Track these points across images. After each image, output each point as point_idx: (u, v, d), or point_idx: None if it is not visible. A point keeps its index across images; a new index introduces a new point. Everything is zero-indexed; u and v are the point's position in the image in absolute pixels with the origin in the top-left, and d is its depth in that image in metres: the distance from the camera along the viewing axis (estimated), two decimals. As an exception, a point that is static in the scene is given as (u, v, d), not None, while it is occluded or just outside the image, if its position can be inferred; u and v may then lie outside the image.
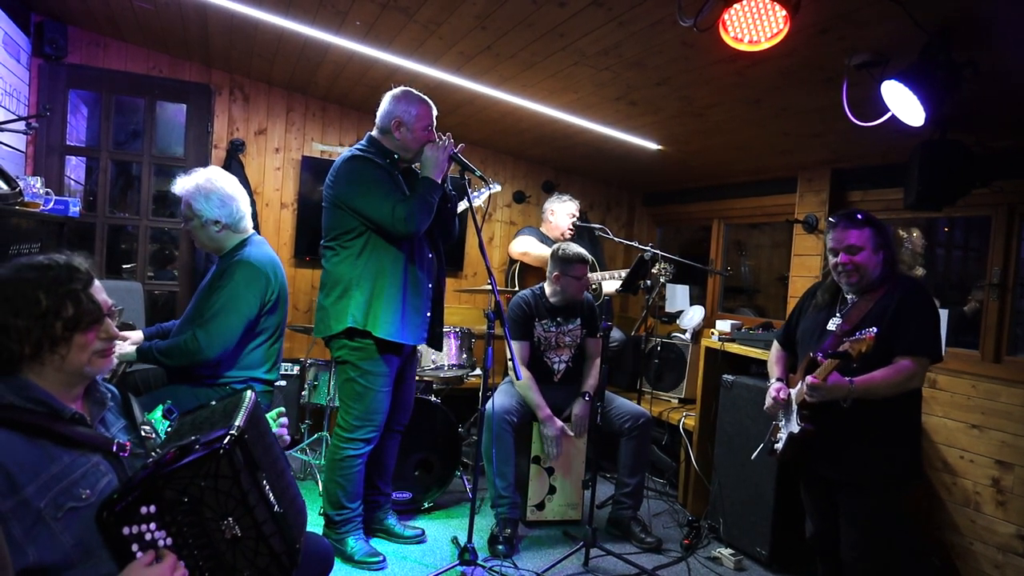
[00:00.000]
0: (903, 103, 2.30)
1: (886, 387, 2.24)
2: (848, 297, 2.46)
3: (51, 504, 1.25)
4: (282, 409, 1.81)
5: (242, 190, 2.71)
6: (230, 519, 1.34)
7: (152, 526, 1.29)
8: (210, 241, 2.68)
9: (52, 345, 1.33)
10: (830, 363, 2.21)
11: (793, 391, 2.46)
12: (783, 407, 2.51)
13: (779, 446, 2.51)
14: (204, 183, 2.62)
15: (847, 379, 2.23)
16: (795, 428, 2.40)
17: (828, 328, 2.45)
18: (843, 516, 2.42)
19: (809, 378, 2.28)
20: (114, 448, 1.40)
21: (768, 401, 2.55)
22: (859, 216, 2.39)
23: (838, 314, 2.45)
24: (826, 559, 2.58)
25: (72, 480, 1.30)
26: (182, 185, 2.64)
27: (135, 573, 1.25)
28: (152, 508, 1.29)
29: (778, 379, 2.62)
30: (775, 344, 2.78)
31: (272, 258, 2.71)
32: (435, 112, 2.93)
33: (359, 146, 2.93)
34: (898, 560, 2.39)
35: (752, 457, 2.85)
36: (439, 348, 3.25)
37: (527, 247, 4.42)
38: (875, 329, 2.16)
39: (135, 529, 1.28)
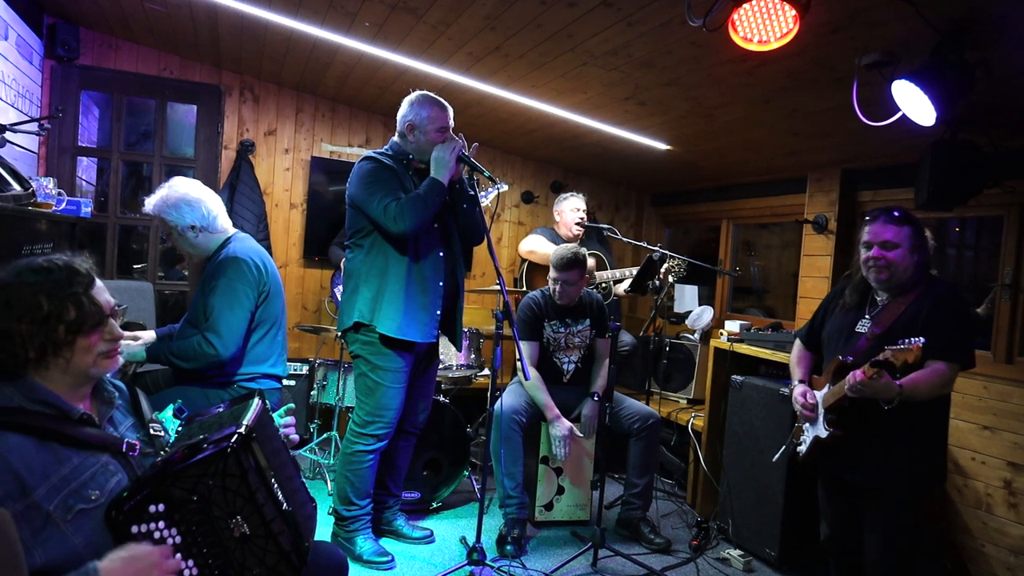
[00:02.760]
0: (914, 103, 2.29)
1: (928, 390, 2.18)
2: (878, 299, 2.39)
3: (61, 506, 1.26)
4: (290, 406, 1.81)
5: (206, 190, 2.72)
6: (238, 517, 1.35)
7: (161, 524, 1.30)
8: (193, 248, 2.69)
9: (56, 349, 1.33)
10: (870, 370, 2.10)
11: (819, 394, 2.39)
12: (810, 410, 2.44)
13: (803, 449, 2.45)
14: (167, 194, 2.64)
15: (896, 381, 2.14)
16: (823, 432, 2.35)
17: (857, 330, 2.38)
18: (866, 521, 2.36)
19: (858, 373, 2.15)
20: (123, 448, 1.41)
21: (796, 407, 2.48)
22: (898, 213, 2.32)
23: (868, 316, 2.38)
24: (839, 562, 2.55)
25: (81, 482, 1.31)
26: (150, 203, 2.66)
27: (127, 551, 1.26)
28: (161, 507, 1.31)
29: (800, 381, 2.55)
30: (797, 343, 2.70)
31: (258, 250, 2.73)
32: (451, 113, 2.94)
33: (379, 149, 3.00)
34: (919, 563, 2.35)
35: (774, 459, 2.81)
36: (458, 347, 3.27)
37: (534, 245, 4.42)
38: (923, 340, 2.05)
39: (144, 528, 1.29)
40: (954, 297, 2.29)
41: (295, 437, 1.76)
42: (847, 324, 2.43)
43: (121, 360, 1.49)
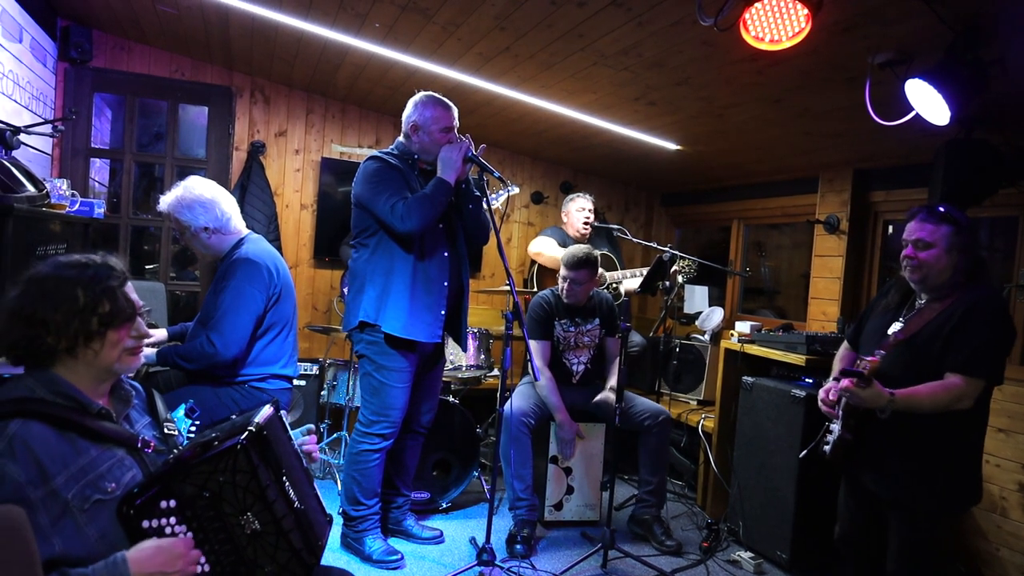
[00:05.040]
0: (928, 102, 2.27)
1: (930, 403, 2.09)
2: (918, 301, 2.28)
3: (78, 496, 1.28)
4: (311, 427, 1.84)
5: (222, 191, 2.72)
6: (249, 514, 1.37)
7: (172, 520, 1.32)
8: (206, 249, 2.71)
9: (87, 340, 1.37)
10: (857, 381, 2.09)
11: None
12: (829, 406, 2.38)
13: (827, 448, 2.39)
14: (183, 194, 2.65)
15: (888, 390, 2.09)
16: (836, 433, 2.32)
17: (889, 332, 2.28)
18: (891, 529, 2.29)
19: (845, 381, 2.15)
20: (139, 444, 1.43)
21: (819, 401, 2.43)
22: (942, 210, 2.18)
23: (902, 318, 2.29)
24: (852, 562, 2.51)
25: (99, 473, 1.33)
26: (165, 202, 2.67)
27: (153, 542, 1.29)
28: (172, 503, 1.32)
29: (834, 378, 2.45)
30: (844, 343, 2.62)
31: (271, 252, 2.74)
32: (455, 114, 2.94)
33: (384, 149, 3.00)
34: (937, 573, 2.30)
35: (800, 456, 2.76)
36: (463, 346, 3.27)
37: (541, 247, 4.41)
38: (881, 353, 2.15)
39: (155, 523, 1.31)
40: (990, 306, 2.13)
41: (317, 456, 1.77)
42: (882, 325, 2.34)
43: (143, 359, 1.52)
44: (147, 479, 1.35)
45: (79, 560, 1.26)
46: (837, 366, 2.57)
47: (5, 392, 1.33)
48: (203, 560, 1.35)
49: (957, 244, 2.16)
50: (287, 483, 1.44)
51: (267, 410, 1.53)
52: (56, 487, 1.26)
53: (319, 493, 1.67)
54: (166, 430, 1.57)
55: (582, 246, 3.59)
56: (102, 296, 1.38)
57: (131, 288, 1.47)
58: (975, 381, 2.08)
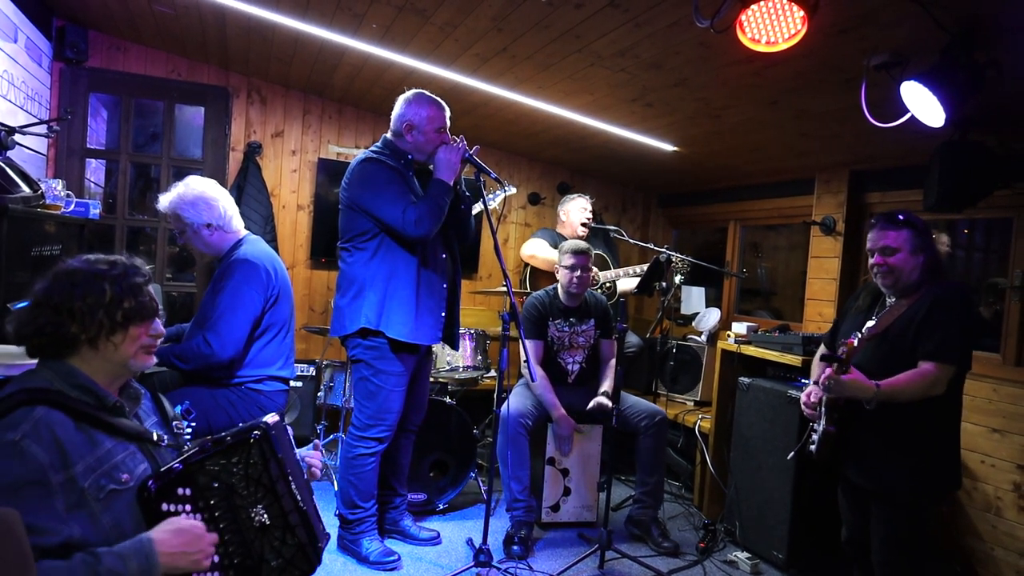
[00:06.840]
0: (923, 104, 2.28)
1: (909, 392, 2.20)
2: (888, 301, 2.40)
3: (94, 485, 1.32)
4: (317, 442, 1.88)
5: (222, 191, 2.73)
6: (259, 507, 1.44)
7: (187, 507, 1.39)
8: (206, 247, 2.71)
9: (110, 333, 1.42)
10: (837, 367, 2.20)
11: None
12: (811, 408, 2.48)
13: (813, 447, 2.45)
14: (185, 191, 2.65)
15: (873, 381, 2.19)
16: (820, 428, 2.38)
17: (863, 330, 2.38)
18: (873, 520, 2.37)
19: (826, 371, 2.25)
20: (153, 438, 1.48)
21: (801, 404, 2.52)
22: (900, 217, 2.32)
23: (875, 317, 2.40)
24: (859, 565, 2.54)
25: (113, 464, 1.37)
26: (165, 200, 2.67)
27: (171, 523, 1.36)
28: (188, 490, 1.39)
29: (815, 382, 2.55)
30: (821, 346, 2.72)
31: (269, 253, 2.74)
32: (448, 114, 2.94)
33: (374, 148, 2.96)
34: (924, 569, 2.34)
35: (788, 457, 2.79)
36: (455, 348, 3.26)
37: (535, 250, 4.41)
38: (857, 335, 2.21)
39: (173, 507, 1.38)
40: (954, 297, 2.26)
41: (318, 471, 1.79)
42: (856, 325, 2.44)
43: (155, 360, 1.55)
44: (164, 467, 1.42)
45: (91, 547, 1.29)
46: (815, 369, 2.66)
47: (26, 382, 1.38)
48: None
49: (919, 245, 2.29)
50: (293, 483, 1.50)
51: (274, 416, 1.59)
52: (75, 474, 1.30)
53: (318, 508, 1.70)
54: (175, 428, 1.61)
55: (578, 240, 3.63)
56: (129, 291, 1.44)
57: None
58: (946, 367, 2.20)
